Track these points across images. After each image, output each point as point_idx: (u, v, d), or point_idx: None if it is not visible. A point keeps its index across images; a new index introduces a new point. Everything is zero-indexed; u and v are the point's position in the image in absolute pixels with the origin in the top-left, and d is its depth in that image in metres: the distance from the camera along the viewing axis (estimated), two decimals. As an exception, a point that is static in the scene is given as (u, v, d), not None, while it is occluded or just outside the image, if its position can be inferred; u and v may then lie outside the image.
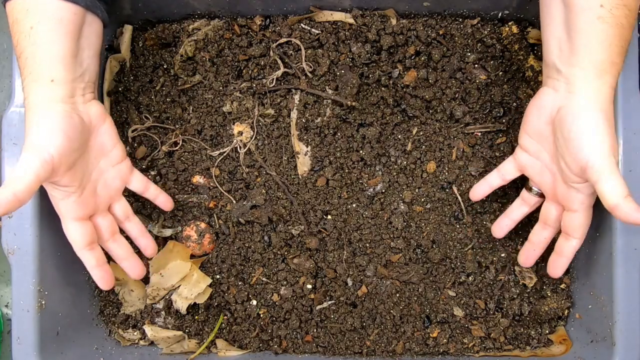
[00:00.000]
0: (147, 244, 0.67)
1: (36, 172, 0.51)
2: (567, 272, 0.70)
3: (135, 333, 0.72)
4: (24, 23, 0.53)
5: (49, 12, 0.53)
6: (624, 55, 0.53)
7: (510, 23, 0.69)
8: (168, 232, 0.70)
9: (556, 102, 0.55)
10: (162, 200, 0.68)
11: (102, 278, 0.61)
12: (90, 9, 0.56)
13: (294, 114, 0.71)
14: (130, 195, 0.71)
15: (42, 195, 0.62)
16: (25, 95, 0.54)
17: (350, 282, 0.70)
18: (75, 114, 0.55)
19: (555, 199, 0.60)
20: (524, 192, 0.64)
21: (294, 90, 0.71)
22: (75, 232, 0.59)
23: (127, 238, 0.67)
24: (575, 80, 0.53)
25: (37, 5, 0.53)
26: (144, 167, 0.72)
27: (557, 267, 0.62)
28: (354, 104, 0.68)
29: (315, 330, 0.70)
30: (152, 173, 0.72)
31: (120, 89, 0.72)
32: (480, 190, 0.66)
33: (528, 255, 0.65)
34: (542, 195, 0.63)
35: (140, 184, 0.66)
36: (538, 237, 0.64)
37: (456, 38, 0.70)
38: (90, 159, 0.59)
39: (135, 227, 0.66)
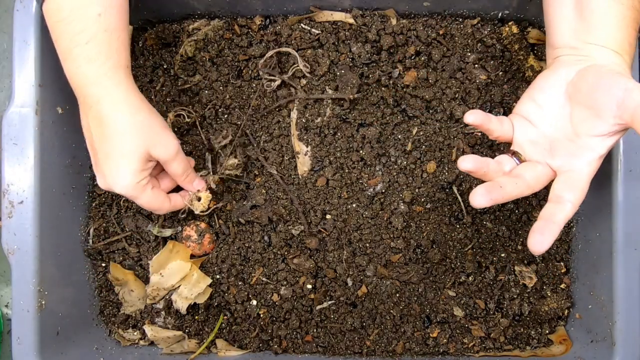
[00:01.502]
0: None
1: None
2: (567, 272, 0.70)
3: (135, 333, 0.72)
4: (90, 9, 0.53)
5: None
6: (637, 39, 0.51)
7: (510, 23, 0.69)
8: (168, 232, 0.70)
9: (573, 68, 0.52)
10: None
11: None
12: None
13: (294, 114, 0.71)
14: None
15: (42, 195, 0.62)
16: (100, 80, 0.55)
17: (350, 282, 0.70)
18: None
19: (549, 163, 0.54)
20: (501, 157, 0.56)
21: (293, 91, 0.71)
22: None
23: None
24: (594, 54, 0.51)
25: None
26: (144, 167, 0.72)
27: (544, 234, 0.49)
28: (355, 95, 0.67)
29: (315, 330, 0.70)
30: (152, 173, 0.72)
31: (120, 89, 0.72)
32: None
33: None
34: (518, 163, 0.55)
35: None
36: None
37: (456, 38, 0.70)
38: None
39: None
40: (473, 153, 0.70)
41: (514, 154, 0.56)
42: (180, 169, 0.62)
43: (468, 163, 0.52)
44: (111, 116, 0.55)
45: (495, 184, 0.51)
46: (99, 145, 0.57)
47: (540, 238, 0.48)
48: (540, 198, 0.70)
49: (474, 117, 0.54)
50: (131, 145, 0.56)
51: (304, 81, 0.70)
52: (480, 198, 0.50)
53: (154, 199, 0.61)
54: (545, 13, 0.57)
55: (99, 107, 0.55)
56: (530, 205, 0.70)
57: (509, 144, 0.57)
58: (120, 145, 0.56)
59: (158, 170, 0.64)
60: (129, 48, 0.57)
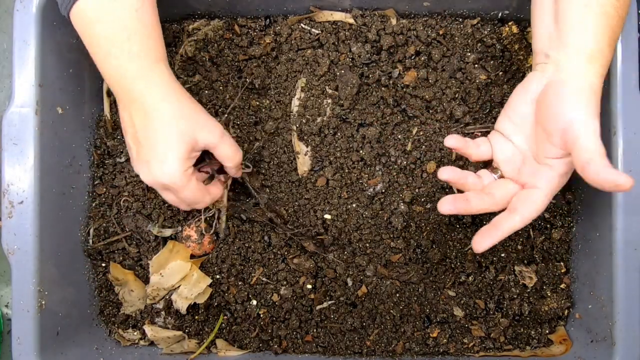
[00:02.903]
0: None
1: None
2: (567, 272, 0.70)
3: (135, 333, 0.72)
4: (128, 4, 0.54)
5: None
6: (612, 46, 0.52)
7: (510, 23, 0.69)
8: (168, 232, 0.70)
9: (542, 82, 0.55)
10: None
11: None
12: None
13: (294, 114, 0.71)
14: (130, 195, 0.71)
15: (42, 195, 0.62)
16: (143, 74, 0.55)
17: (350, 282, 0.70)
18: None
19: (517, 179, 0.58)
20: (482, 171, 0.61)
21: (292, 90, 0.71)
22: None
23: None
24: (563, 64, 0.53)
25: None
26: (144, 167, 0.72)
27: (485, 237, 0.56)
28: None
29: (315, 330, 0.70)
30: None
31: (120, 89, 0.72)
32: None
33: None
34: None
35: None
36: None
37: (456, 38, 0.70)
38: None
39: None
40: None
41: (493, 169, 0.61)
42: (230, 151, 0.61)
43: (446, 174, 0.57)
44: (157, 107, 0.56)
45: (463, 197, 0.56)
46: (144, 136, 0.57)
47: (480, 240, 0.56)
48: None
49: (454, 142, 0.59)
50: (178, 132, 0.56)
51: (304, 80, 0.70)
52: (446, 206, 0.55)
53: (198, 191, 0.60)
54: (531, 18, 0.59)
55: (144, 100, 0.56)
56: (530, 205, 0.70)
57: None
58: (168, 133, 0.56)
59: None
60: (163, 41, 0.58)
